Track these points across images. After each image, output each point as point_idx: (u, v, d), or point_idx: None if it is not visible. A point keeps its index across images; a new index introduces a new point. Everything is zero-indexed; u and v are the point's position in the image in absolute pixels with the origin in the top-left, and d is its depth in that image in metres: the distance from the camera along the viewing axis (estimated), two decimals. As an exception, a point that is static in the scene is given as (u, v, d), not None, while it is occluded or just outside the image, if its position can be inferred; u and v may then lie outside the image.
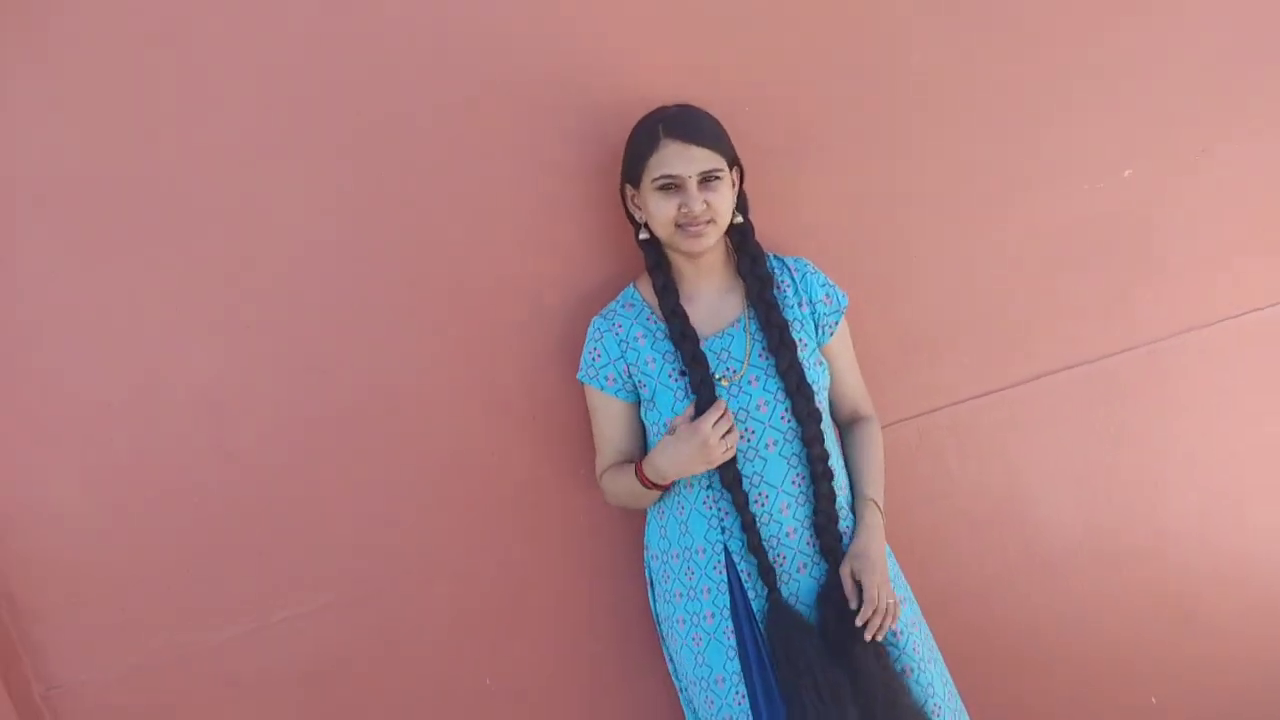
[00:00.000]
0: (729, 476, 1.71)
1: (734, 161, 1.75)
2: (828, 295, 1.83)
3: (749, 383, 1.74)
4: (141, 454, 1.82)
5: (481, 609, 2.01)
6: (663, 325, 1.78)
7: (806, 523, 1.76)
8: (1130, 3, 2.04)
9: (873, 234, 2.04)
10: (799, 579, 1.76)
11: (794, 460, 1.75)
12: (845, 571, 1.73)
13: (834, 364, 1.86)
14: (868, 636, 1.68)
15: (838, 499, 1.77)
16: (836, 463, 1.79)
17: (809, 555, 1.77)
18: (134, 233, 1.75)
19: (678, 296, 1.77)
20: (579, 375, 1.83)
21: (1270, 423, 2.28)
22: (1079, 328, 2.15)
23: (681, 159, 1.66)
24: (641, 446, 1.85)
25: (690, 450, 1.66)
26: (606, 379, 1.80)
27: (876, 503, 1.81)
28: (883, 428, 1.94)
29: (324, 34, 1.75)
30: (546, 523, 2.00)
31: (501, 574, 2.00)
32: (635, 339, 1.78)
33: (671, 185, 1.68)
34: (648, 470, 1.73)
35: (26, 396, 1.78)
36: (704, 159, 1.67)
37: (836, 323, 1.84)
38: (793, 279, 1.82)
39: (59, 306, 1.75)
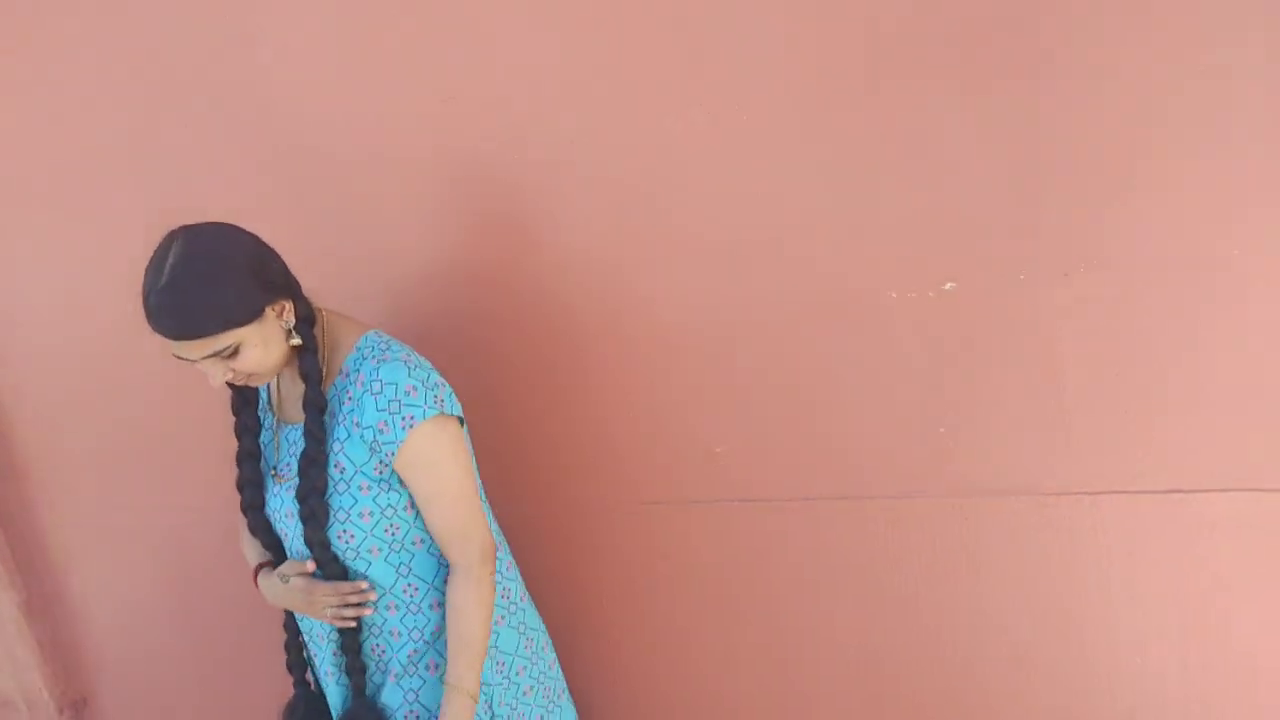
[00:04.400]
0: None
1: (256, 313, 1.50)
2: (384, 423, 1.55)
3: (286, 490, 1.63)
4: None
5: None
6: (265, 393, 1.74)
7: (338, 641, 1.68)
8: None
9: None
10: (331, 688, 1.72)
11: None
12: None
13: (416, 502, 1.62)
14: None
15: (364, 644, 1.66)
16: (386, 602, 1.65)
17: (336, 665, 1.70)
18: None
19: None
20: None
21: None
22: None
23: (179, 350, 1.50)
24: None
25: (298, 601, 1.65)
26: None
27: (457, 688, 1.60)
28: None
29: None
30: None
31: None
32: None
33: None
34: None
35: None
36: (200, 348, 1.49)
37: (393, 454, 1.56)
38: (355, 393, 1.57)
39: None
